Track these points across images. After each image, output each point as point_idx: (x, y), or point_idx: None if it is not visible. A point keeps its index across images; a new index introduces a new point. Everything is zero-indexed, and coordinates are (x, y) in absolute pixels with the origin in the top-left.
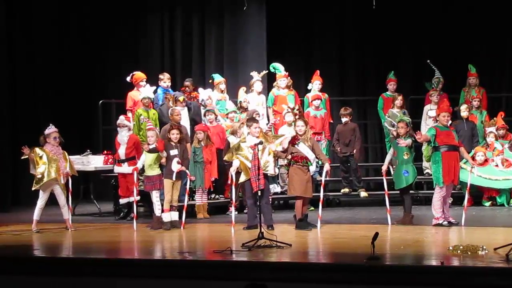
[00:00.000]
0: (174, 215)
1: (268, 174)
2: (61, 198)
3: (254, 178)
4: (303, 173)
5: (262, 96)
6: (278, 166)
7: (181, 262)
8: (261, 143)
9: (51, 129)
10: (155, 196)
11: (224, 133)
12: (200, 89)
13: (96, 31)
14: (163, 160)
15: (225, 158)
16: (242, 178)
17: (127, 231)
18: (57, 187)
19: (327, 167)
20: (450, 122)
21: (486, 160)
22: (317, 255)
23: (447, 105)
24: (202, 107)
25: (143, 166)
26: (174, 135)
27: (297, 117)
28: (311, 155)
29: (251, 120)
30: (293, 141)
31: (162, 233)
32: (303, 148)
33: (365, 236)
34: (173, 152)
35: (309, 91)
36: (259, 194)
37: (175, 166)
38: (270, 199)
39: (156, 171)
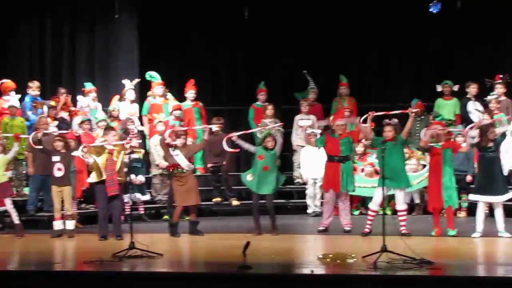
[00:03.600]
0: (69, 224)
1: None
2: None
3: (109, 183)
4: (181, 182)
5: (135, 105)
6: (151, 175)
7: (50, 273)
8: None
9: None
10: (8, 203)
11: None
12: (80, 97)
13: None
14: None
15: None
16: (92, 179)
17: None
18: None
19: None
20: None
21: (354, 170)
22: (189, 264)
23: (342, 114)
24: (80, 116)
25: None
26: (59, 147)
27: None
28: (183, 162)
29: (108, 128)
30: (170, 145)
31: (32, 244)
32: (177, 154)
33: (237, 245)
34: (55, 158)
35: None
36: (111, 202)
37: (57, 172)
38: (143, 209)
39: (4, 178)
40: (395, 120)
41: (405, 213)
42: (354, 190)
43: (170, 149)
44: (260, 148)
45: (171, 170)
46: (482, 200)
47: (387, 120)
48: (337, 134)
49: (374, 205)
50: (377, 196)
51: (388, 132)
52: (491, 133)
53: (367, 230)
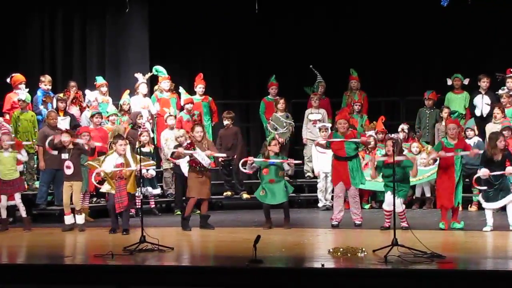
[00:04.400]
0: (79, 219)
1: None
2: None
3: (117, 199)
4: (198, 175)
5: (147, 99)
6: (162, 169)
7: (61, 267)
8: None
9: None
10: (17, 198)
11: (107, 136)
12: (87, 91)
13: None
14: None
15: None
16: (106, 188)
17: (5, 236)
18: None
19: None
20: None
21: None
22: (199, 258)
23: (345, 113)
24: (87, 109)
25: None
26: (67, 143)
27: (195, 122)
28: (206, 161)
29: (117, 137)
30: (189, 147)
31: (43, 237)
32: (199, 155)
33: (247, 239)
34: (64, 156)
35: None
36: None
37: (66, 170)
38: (154, 203)
39: (16, 174)
40: (397, 135)
41: (403, 212)
42: (364, 183)
43: (191, 150)
44: (262, 161)
45: (194, 166)
46: (487, 208)
47: (389, 135)
48: (341, 134)
49: (387, 206)
50: (389, 198)
51: (390, 147)
52: (500, 142)
53: (386, 225)
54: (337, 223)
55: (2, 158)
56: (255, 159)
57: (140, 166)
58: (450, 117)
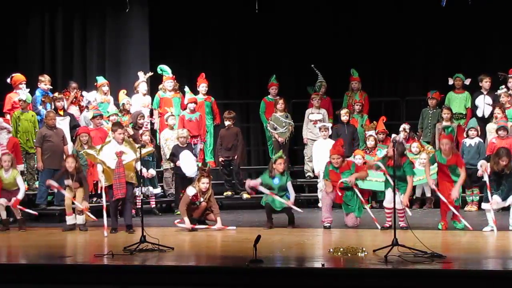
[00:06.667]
0: (80, 219)
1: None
2: None
3: (116, 186)
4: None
5: (147, 97)
6: (162, 169)
7: (61, 267)
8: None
9: None
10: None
11: (107, 136)
12: (84, 92)
13: None
14: None
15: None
16: (104, 182)
17: (6, 236)
18: None
19: (219, 224)
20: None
21: (365, 163)
22: (199, 258)
23: (338, 147)
24: (86, 110)
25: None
26: (71, 169)
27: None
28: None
29: (116, 125)
30: (194, 199)
31: (44, 237)
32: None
33: (247, 239)
34: (68, 182)
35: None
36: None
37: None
38: (154, 203)
39: (17, 187)
40: (400, 138)
41: (402, 210)
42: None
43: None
44: (267, 178)
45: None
46: (493, 207)
47: (394, 135)
48: (336, 167)
49: (388, 203)
50: (389, 195)
51: (390, 148)
52: (503, 162)
53: (387, 224)
54: (329, 224)
55: (3, 178)
56: (261, 188)
57: (140, 154)
58: (444, 132)
